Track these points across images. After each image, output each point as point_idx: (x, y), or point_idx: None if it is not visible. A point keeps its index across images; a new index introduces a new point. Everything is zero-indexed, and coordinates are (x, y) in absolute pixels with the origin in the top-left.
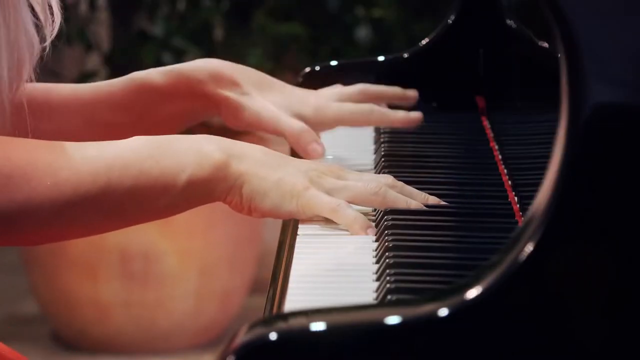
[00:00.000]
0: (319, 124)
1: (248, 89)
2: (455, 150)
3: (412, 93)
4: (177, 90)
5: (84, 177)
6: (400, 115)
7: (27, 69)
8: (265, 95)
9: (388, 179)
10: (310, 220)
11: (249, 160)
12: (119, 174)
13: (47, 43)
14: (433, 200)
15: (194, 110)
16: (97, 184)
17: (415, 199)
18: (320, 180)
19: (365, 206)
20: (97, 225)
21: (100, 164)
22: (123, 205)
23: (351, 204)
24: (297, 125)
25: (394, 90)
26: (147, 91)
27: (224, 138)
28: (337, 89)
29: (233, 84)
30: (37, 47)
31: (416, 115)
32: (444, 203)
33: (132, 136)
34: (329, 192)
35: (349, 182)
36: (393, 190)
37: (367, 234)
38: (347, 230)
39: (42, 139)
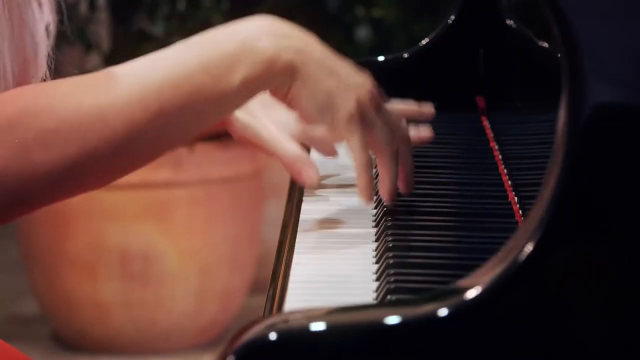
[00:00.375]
0: (324, 142)
1: (253, 106)
2: (455, 150)
3: (429, 109)
4: None
5: (134, 109)
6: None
7: (36, 68)
8: (270, 113)
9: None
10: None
11: (304, 55)
12: (169, 95)
13: (51, 42)
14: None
15: None
16: (149, 112)
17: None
18: (366, 110)
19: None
20: (158, 149)
21: (148, 90)
22: (178, 123)
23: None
24: (292, 150)
25: (411, 107)
26: None
27: (276, 21)
28: None
29: None
30: (44, 46)
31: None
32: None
33: None
34: (369, 124)
35: (395, 120)
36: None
37: (368, 201)
38: (347, 229)
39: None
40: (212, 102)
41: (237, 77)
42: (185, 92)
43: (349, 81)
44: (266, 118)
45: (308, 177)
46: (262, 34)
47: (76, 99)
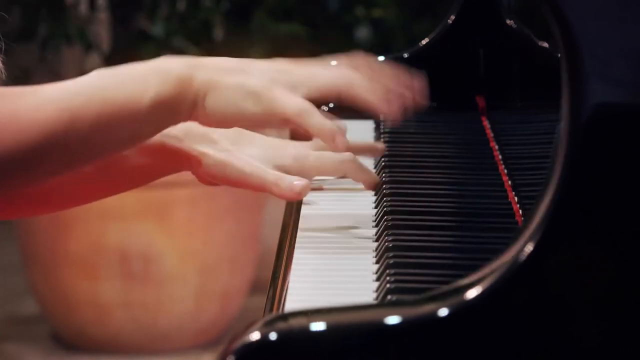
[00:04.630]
0: (299, 174)
1: (225, 145)
2: (455, 150)
3: (381, 146)
4: (149, 145)
5: (48, 115)
6: (372, 177)
7: None
8: (243, 150)
9: (359, 61)
10: (283, 124)
11: (211, 68)
12: (82, 105)
13: None
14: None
15: (162, 165)
16: (62, 120)
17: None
18: (284, 76)
19: (332, 92)
20: (68, 162)
21: (62, 100)
22: (91, 137)
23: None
24: (276, 175)
25: (364, 143)
26: None
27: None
28: (313, 141)
29: (209, 140)
30: None
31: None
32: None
33: (94, 184)
34: (295, 88)
35: (314, 72)
36: (362, 76)
37: (335, 142)
38: (347, 229)
39: None
40: (125, 117)
41: (149, 94)
42: (97, 104)
43: (260, 67)
44: (237, 153)
45: (302, 189)
46: (173, 60)
47: None
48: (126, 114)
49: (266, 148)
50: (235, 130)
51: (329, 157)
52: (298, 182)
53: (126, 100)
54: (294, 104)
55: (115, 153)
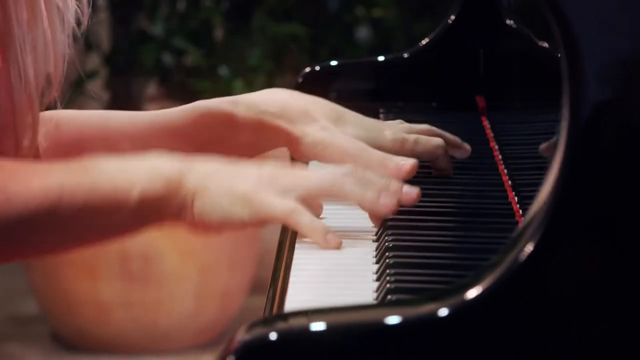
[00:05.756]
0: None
1: (325, 123)
2: None
3: (467, 147)
4: (248, 122)
5: (35, 192)
6: (450, 166)
7: (54, 72)
8: (342, 129)
9: (347, 168)
10: (271, 224)
11: (201, 173)
12: (71, 188)
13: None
14: (395, 188)
15: (260, 142)
16: (49, 199)
17: (375, 186)
18: (273, 181)
19: (322, 199)
20: (49, 243)
21: (52, 179)
22: (75, 222)
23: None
24: (390, 158)
25: (454, 138)
26: (214, 121)
27: (178, 156)
28: (404, 125)
29: (310, 118)
30: (61, 49)
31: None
32: (409, 196)
33: None
34: (283, 193)
35: (303, 176)
36: (351, 178)
37: (326, 241)
38: (346, 232)
39: None
40: (110, 208)
41: (136, 191)
42: (85, 190)
43: (250, 172)
44: (337, 132)
45: (411, 168)
46: (165, 160)
47: None
48: (112, 204)
49: (365, 128)
50: (333, 109)
51: (425, 141)
52: (404, 161)
53: (114, 191)
54: (282, 206)
55: (96, 243)
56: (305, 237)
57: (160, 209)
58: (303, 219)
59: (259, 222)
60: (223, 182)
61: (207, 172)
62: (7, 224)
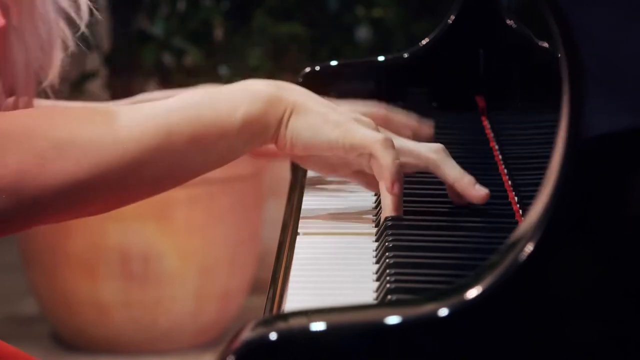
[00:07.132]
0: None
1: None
2: (455, 150)
3: (429, 123)
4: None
5: (146, 130)
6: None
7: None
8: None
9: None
10: (355, 153)
11: (298, 91)
12: (177, 122)
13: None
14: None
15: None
16: (159, 136)
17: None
18: (365, 119)
19: (414, 168)
20: (164, 180)
21: (159, 117)
22: (186, 154)
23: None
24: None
25: (407, 120)
26: None
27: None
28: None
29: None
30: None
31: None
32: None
33: None
34: (375, 130)
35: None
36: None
37: (393, 174)
38: (347, 229)
39: None
40: (216, 135)
41: (239, 113)
42: (191, 122)
43: (344, 110)
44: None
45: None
46: (260, 81)
47: (92, 116)
48: (218, 131)
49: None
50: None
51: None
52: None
53: (218, 117)
54: (373, 134)
55: (205, 172)
56: (381, 174)
57: (263, 126)
58: (389, 150)
59: (345, 148)
60: (320, 106)
61: (304, 92)
62: (122, 166)
